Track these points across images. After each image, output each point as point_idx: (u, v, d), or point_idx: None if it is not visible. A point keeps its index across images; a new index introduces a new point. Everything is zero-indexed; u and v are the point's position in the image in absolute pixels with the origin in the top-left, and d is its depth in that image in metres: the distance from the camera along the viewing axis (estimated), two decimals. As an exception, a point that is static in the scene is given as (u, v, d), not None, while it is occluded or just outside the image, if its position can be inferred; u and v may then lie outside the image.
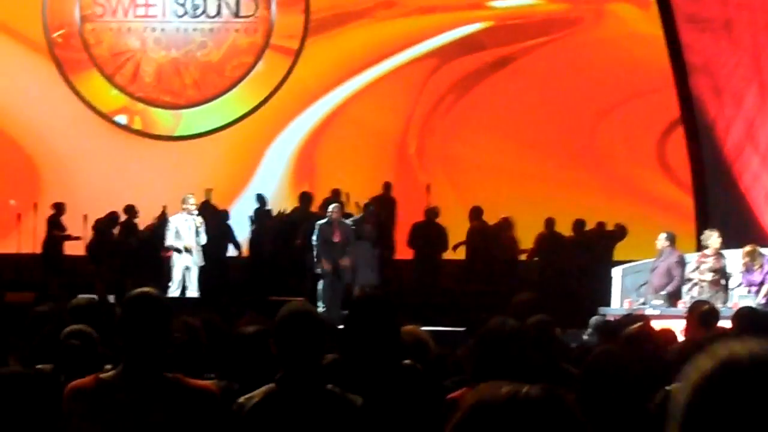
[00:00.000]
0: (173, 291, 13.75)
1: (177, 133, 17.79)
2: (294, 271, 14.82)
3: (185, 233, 14.25)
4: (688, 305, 9.95)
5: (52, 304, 6.57)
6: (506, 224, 15.11)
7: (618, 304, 12.55)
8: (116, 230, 15.50)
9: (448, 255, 15.33)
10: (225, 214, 15.68)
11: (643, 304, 12.04)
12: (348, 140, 17.50)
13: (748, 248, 12.30)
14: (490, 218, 15.19)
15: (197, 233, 14.26)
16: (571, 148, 17.04)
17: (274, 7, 17.80)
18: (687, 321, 7.76)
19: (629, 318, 8.04)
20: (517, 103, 17.21)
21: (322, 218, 13.93)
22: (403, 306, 11.59)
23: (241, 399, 3.90)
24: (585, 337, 9.07)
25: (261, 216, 15.72)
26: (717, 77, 16.64)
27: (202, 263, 14.39)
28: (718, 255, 12.15)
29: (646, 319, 7.58)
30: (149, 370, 3.88)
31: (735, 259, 12.20)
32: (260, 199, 15.96)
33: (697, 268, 12.21)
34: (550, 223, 15.11)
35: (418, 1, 17.78)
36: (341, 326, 5.19)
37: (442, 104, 17.57)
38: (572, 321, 10.14)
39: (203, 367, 4.85)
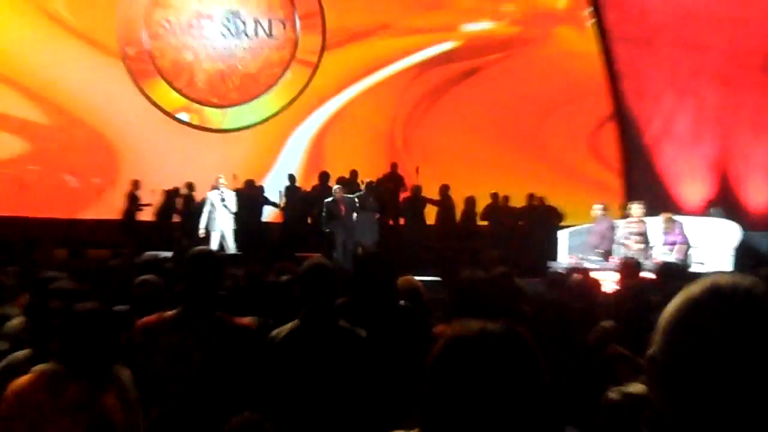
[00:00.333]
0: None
1: (223, 127, 17.77)
2: (314, 233, 14.85)
3: (217, 204, 14.24)
4: (619, 260, 10.02)
5: (123, 258, 6.58)
6: (469, 200, 15.21)
7: (564, 260, 12.58)
8: (178, 200, 15.56)
9: (429, 221, 15.39)
10: (261, 188, 15.69)
11: (583, 259, 12.05)
12: (351, 132, 17.47)
13: (665, 216, 12.32)
14: (457, 194, 15.24)
15: (225, 204, 14.25)
16: (524, 140, 17.04)
17: (298, 29, 17.78)
18: (619, 272, 7.78)
19: (571, 270, 8.06)
20: (481, 104, 17.20)
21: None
22: (400, 261, 11.66)
23: (274, 332, 3.92)
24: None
25: (290, 190, 15.74)
26: (640, 83, 16.63)
27: (234, 227, 14.43)
28: (641, 221, 12.16)
29: (585, 271, 7.59)
30: (204, 310, 3.90)
31: (654, 224, 12.21)
32: (291, 178, 15.94)
33: (625, 231, 12.22)
34: (494, 196, 15.17)
35: (406, 25, 17.68)
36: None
37: (422, 105, 17.60)
38: (527, 272, 10.14)
39: (244, 307, 4.86)
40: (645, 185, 15.68)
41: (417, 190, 15.27)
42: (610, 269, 9.99)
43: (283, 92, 17.74)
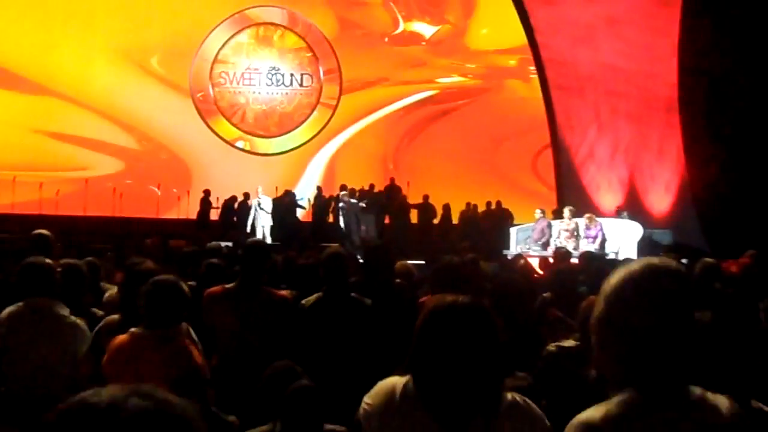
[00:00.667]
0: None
1: (269, 152, 17.75)
2: (332, 228, 14.83)
3: (258, 207, 14.71)
4: (554, 250, 10.01)
5: (196, 247, 6.55)
6: (446, 207, 15.15)
7: (514, 249, 12.57)
8: (236, 204, 15.51)
9: (414, 221, 15.38)
10: (293, 194, 15.47)
11: (527, 249, 12.05)
12: (354, 158, 17.43)
13: (587, 216, 12.32)
14: (435, 201, 15.15)
15: (262, 207, 14.66)
16: (484, 162, 17.01)
17: (322, 81, 17.76)
18: (553, 258, 7.77)
19: (518, 257, 8.06)
20: (452, 136, 17.18)
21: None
22: (396, 249, 11.60)
23: (303, 301, 3.92)
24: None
25: (318, 198, 15.54)
26: (571, 120, 16.65)
27: (271, 224, 14.67)
28: (570, 221, 12.17)
29: (526, 257, 7.59)
30: (253, 284, 3.90)
31: (579, 223, 12.21)
32: (318, 189, 15.79)
33: (559, 228, 12.23)
34: (468, 205, 15.13)
35: (398, 78, 17.68)
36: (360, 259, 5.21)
37: (408, 137, 17.63)
38: (488, 258, 10.11)
39: (282, 283, 4.85)
40: (573, 195, 15.70)
41: (404, 199, 15.25)
42: (547, 256, 9.98)
43: (311, 127, 17.73)
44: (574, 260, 7.28)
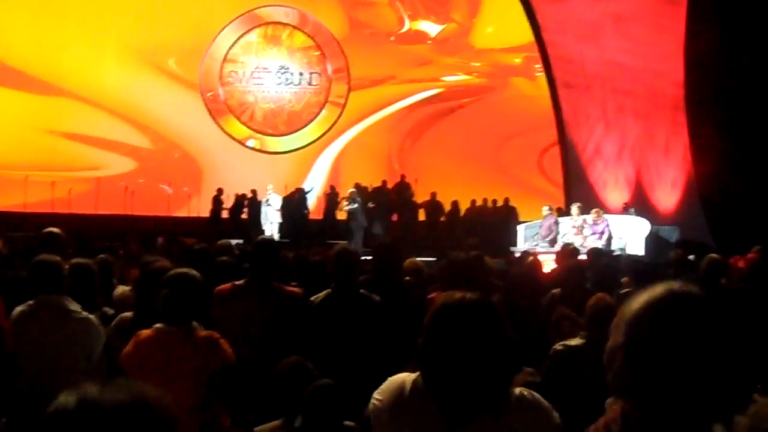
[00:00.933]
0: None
1: (278, 150, 17.76)
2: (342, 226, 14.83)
3: (266, 205, 14.85)
4: (561, 247, 9.97)
5: (205, 244, 6.56)
6: (454, 204, 15.15)
7: (522, 246, 12.54)
8: (245, 202, 15.53)
9: (421, 218, 15.39)
10: (303, 191, 15.43)
11: (536, 245, 12.03)
12: (361, 156, 17.39)
13: (595, 210, 12.26)
14: (442, 198, 15.19)
15: (270, 204, 14.84)
16: (491, 160, 16.95)
17: (331, 79, 17.71)
18: (561, 255, 7.73)
19: (527, 253, 8.04)
20: (458, 134, 17.12)
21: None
22: (405, 246, 11.59)
23: (312, 297, 3.90)
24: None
25: (330, 197, 15.47)
26: (578, 118, 16.58)
27: (280, 221, 14.81)
28: (578, 217, 12.13)
29: (535, 254, 7.57)
30: (265, 281, 3.89)
31: (587, 218, 12.15)
32: (332, 188, 15.73)
33: (567, 225, 12.19)
34: (473, 202, 15.14)
35: (405, 76, 17.61)
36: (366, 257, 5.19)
37: (414, 135, 17.55)
38: (496, 255, 10.08)
39: (293, 279, 4.85)
40: (581, 192, 15.63)
41: (411, 195, 15.22)
42: (554, 252, 9.95)
43: (320, 126, 17.70)
44: (582, 257, 7.25)
